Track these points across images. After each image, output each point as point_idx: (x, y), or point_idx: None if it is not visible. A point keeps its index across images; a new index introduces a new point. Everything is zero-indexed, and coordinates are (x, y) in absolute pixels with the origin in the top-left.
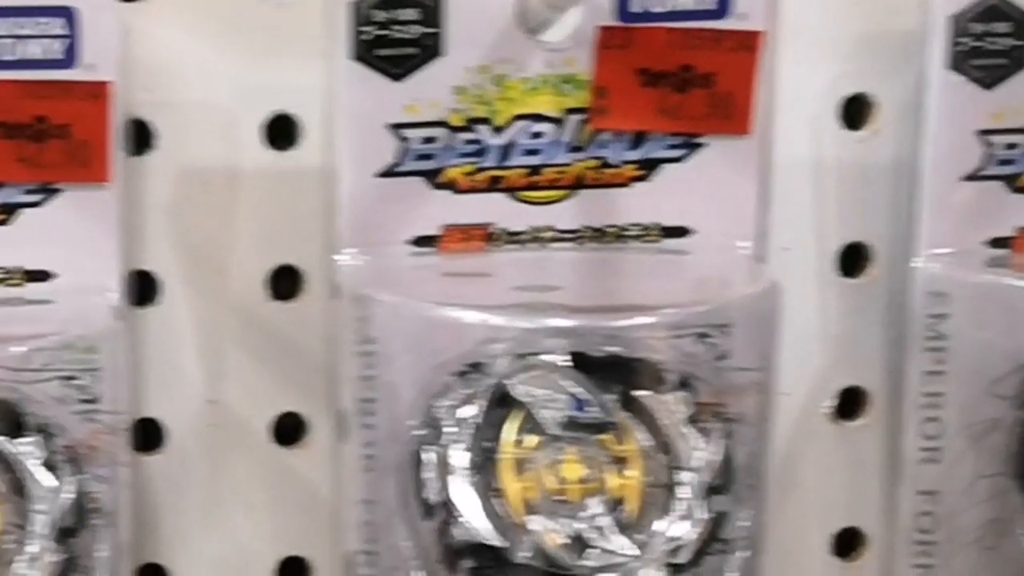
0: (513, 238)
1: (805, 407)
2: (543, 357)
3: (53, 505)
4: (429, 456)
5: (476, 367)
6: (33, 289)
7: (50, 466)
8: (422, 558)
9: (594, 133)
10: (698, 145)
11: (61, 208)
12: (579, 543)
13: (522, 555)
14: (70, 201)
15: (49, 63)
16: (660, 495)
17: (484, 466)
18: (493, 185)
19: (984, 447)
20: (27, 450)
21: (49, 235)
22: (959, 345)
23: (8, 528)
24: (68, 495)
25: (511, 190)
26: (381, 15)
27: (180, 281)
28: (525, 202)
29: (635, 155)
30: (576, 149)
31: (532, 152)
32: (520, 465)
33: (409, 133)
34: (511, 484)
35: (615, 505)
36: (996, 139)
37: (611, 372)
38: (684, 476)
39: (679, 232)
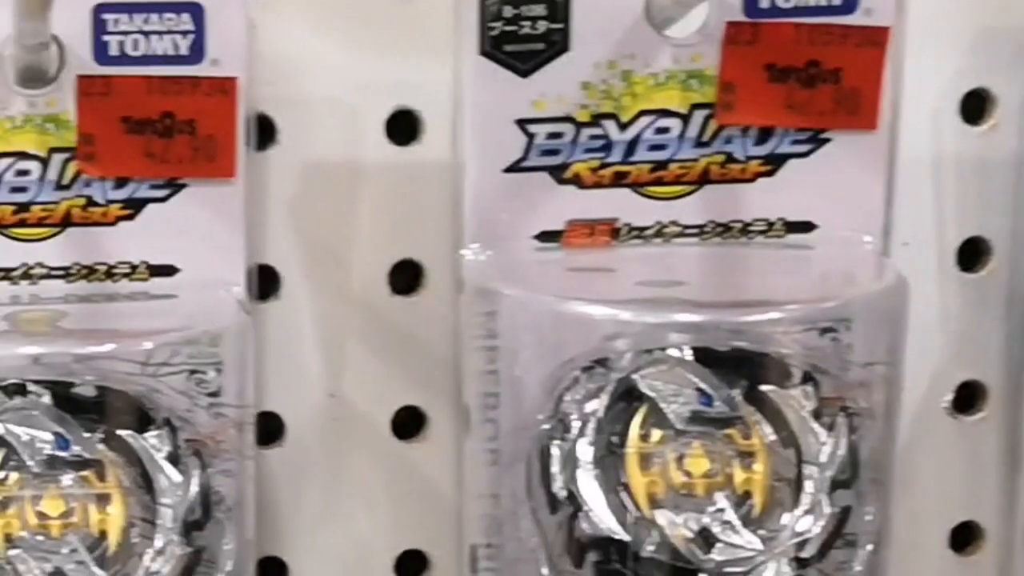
0: (638, 233)
1: (924, 401)
2: (669, 351)
3: (179, 499)
4: (556, 450)
5: (601, 362)
6: (158, 284)
7: (175, 460)
8: (547, 552)
9: (719, 128)
10: (823, 140)
11: (186, 203)
12: (705, 537)
13: (648, 549)
14: (195, 196)
15: (176, 59)
16: (785, 489)
17: (610, 460)
18: (618, 180)
19: None
20: (153, 444)
21: (174, 230)
22: None
23: (135, 521)
24: (194, 489)
25: (636, 185)
26: (509, 11)
27: (301, 276)
28: (650, 197)
29: (760, 150)
30: (700, 144)
31: (658, 147)
32: (646, 459)
33: (535, 128)
34: (637, 478)
35: (741, 499)
36: None
37: (736, 367)
38: (810, 470)
39: (804, 227)
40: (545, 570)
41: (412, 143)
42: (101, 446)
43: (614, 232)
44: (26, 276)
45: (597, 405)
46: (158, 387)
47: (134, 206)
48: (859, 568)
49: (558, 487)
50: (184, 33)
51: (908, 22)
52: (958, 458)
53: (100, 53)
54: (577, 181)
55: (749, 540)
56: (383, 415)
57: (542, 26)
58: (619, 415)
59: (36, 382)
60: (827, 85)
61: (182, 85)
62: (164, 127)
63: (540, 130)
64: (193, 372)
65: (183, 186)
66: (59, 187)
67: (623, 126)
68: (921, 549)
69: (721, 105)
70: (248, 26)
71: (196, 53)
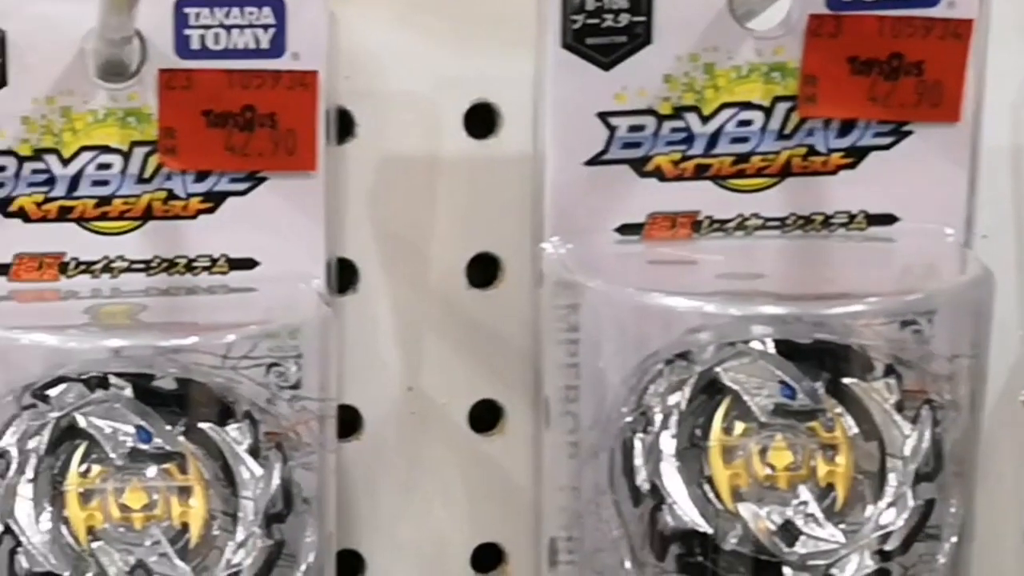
0: (719, 226)
1: (1003, 395)
2: (751, 344)
3: (261, 492)
4: (639, 443)
5: (684, 355)
6: (238, 277)
7: (256, 453)
8: (629, 544)
9: (801, 121)
10: (905, 133)
11: (266, 196)
12: (788, 530)
13: (731, 542)
14: (275, 189)
15: (257, 52)
16: (868, 482)
17: (693, 453)
18: (700, 173)
19: None
20: (235, 437)
21: (254, 223)
22: None
23: (216, 514)
24: (275, 482)
25: (718, 178)
26: (591, 3)
27: (380, 269)
28: (732, 190)
29: (842, 143)
30: (782, 137)
31: (740, 140)
32: (729, 452)
33: (617, 121)
34: (720, 471)
35: (824, 492)
36: None
37: (818, 359)
38: (894, 463)
39: (885, 219)
40: (628, 563)
41: (490, 136)
42: (182, 439)
43: (695, 225)
44: (107, 269)
45: (680, 398)
46: (238, 380)
47: (214, 199)
48: (943, 561)
49: (641, 479)
50: (265, 27)
51: (990, 14)
52: None
53: (182, 47)
54: (659, 174)
55: (832, 533)
56: (460, 408)
57: (624, 19)
58: (702, 408)
59: (117, 375)
60: (910, 78)
61: (263, 79)
62: (245, 121)
63: (622, 123)
64: (273, 365)
65: (263, 179)
66: (140, 180)
67: (705, 119)
68: (998, 543)
69: (804, 98)
70: (328, 20)
71: (277, 47)
